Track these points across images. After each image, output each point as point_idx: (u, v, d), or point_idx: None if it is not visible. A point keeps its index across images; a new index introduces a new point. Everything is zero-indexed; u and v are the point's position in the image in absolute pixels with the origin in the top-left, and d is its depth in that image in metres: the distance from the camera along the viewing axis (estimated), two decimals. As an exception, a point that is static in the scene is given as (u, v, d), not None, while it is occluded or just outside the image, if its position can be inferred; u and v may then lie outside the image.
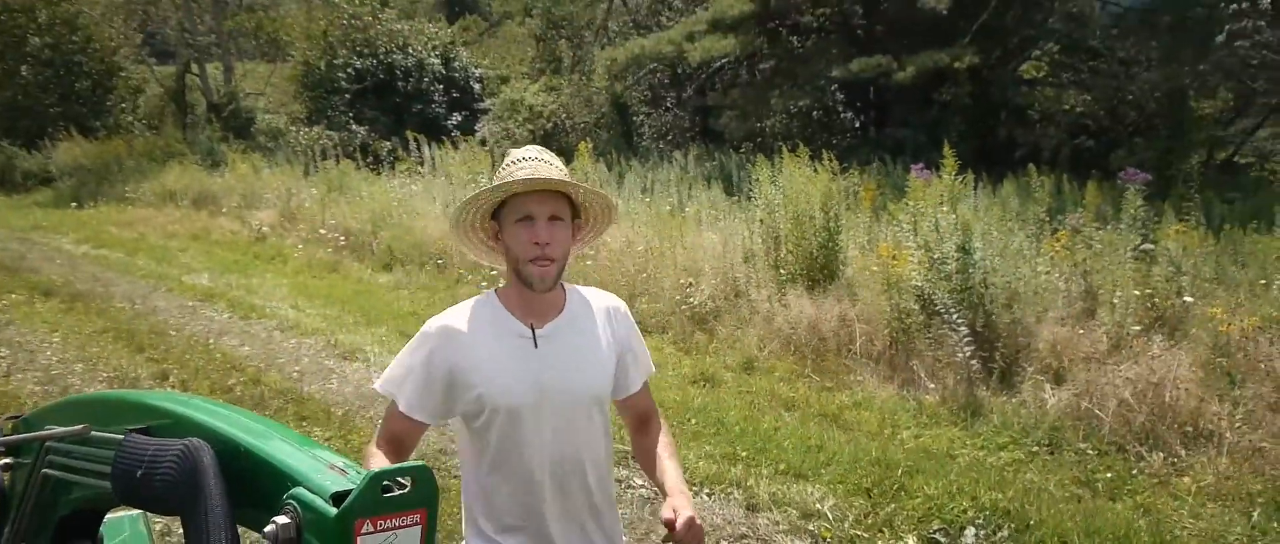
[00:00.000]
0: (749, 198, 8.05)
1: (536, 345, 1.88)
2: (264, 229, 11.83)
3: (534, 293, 1.86)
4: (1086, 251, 6.38)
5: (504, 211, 1.86)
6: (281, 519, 0.81)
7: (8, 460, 1.28)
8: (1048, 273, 6.22)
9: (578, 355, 1.92)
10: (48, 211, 15.49)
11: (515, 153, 1.94)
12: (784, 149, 8.76)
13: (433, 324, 1.91)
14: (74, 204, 15.92)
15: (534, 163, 1.87)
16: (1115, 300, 5.58)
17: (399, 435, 1.88)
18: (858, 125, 16.93)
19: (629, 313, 2.07)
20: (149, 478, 0.90)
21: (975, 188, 8.03)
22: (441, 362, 1.86)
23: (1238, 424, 4.29)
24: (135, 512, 1.57)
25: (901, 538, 3.63)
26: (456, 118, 18.87)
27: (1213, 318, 5.07)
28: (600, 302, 2.02)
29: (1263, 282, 5.94)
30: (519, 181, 1.80)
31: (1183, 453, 4.25)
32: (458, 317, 1.91)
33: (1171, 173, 11.26)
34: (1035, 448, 4.50)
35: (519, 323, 1.89)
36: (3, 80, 21.64)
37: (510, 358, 1.87)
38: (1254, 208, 9.45)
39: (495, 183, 1.86)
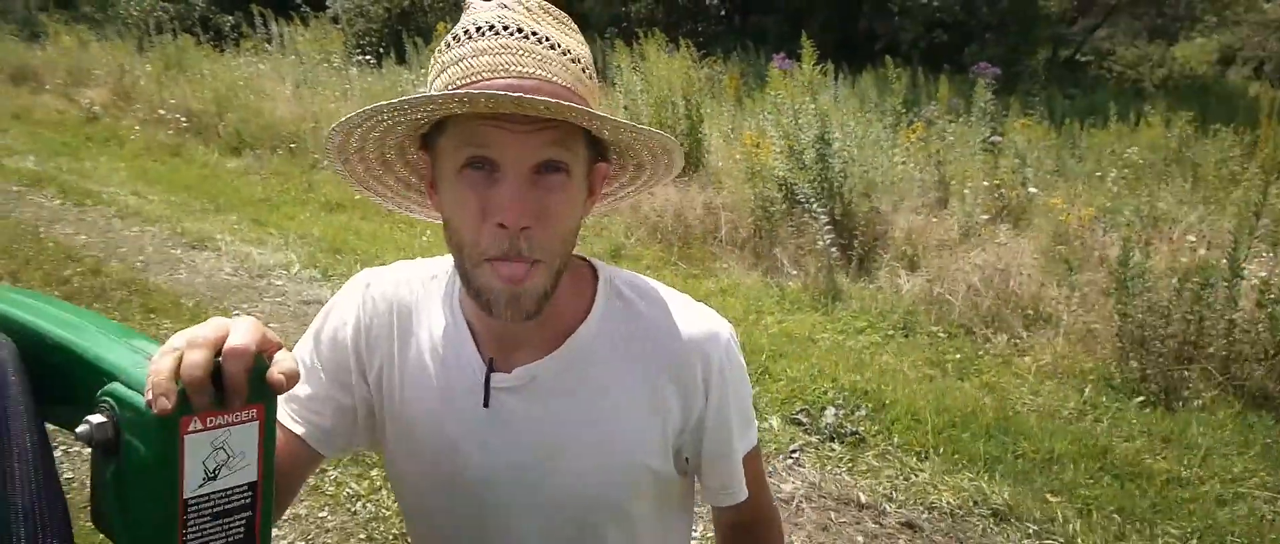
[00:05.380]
0: (613, 84, 7.96)
1: (488, 402, 1.07)
2: (95, 108, 11.00)
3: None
4: (939, 143, 6.62)
5: (441, 140, 0.98)
6: (96, 418, 0.72)
7: None
8: (903, 164, 6.43)
9: (571, 427, 1.07)
10: None
11: (474, 11, 0.99)
12: (645, 35, 8.69)
13: (365, 278, 1.17)
14: None
15: (506, 41, 0.95)
16: (966, 191, 5.84)
17: (280, 455, 0.88)
18: (723, 13, 16.89)
19: (732, 356, 1.10)
20: None
21: (836, 79, 8.19)
22: (361, 352, 1.14)
23: (1074, 308, 4.59)
24: None
25: (765, 418, 3.75)
26: (305, -8, 17.83)
27: (1054, 208, 5.38)
28: (670, 327, 1.09)
29: (1098, 174, 6.32)
30: (458, 94, 0.89)
31: (1024, 334, 4.53)
32: (402, 286, 1.16)
33: (1018, 69, 11.76)
34: (891, 331, 4.71)
35: (471, 351, 1.09)
36: None
37: (447, 408, 1.09)
38: (1092, 104, 10.00)
39: (432, 87, 0.98)
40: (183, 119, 9.92)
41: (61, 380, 0.79)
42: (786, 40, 12.13)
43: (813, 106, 6.03)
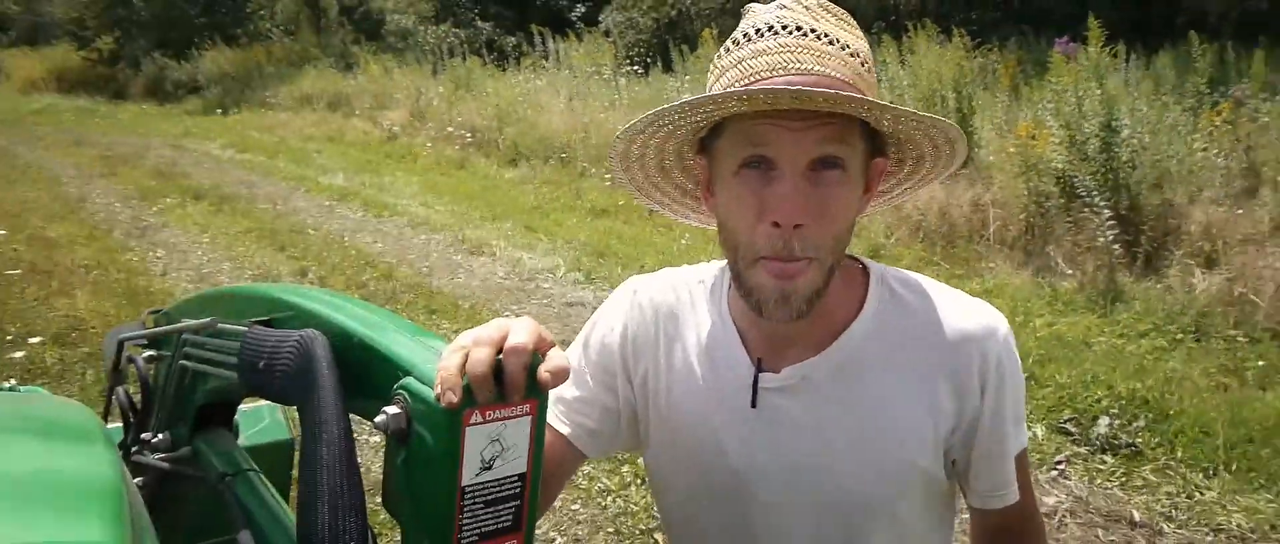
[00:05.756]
0: (878, 81, 7.73)
1: (755, 403, 1.07)
2: (394, 129, 12.12)
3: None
4: (1250, 126, 5.91)
5: (719, 142, 0.99)
6: (392, 409, 0.78)
7: (151, 352, 1.32)
8: (1204, 150, 5.79)
9: (841, 427, 1.05)
10: (196, 119, 16.22)
11: (753, 14, 1.01)
12: (915, 26, 8.38)
13: (633, 285, 1.20)
14: (220, 111, 16.63)
15: (784, 41, 0.95)
16: (1280, 178, 5.17)
17: (546, 453, 0.86)
18: (999, -2, 15.95)
19: (1010, 351, 1.07)
20: (269, 368, 0.91)
21: (1127, 60, 7.51)
22: (627, 357, 1.17)
23: None
24: (273, 402, 1.61)
25: (1030, 427, 3.50)
26: (580, 9, 18.70)
27: (1390, 194, 4.64)
28: (945, 323, 1.06)
29: None
30: (737, 93, 0.90)
31: (1346, 340, 3.95)
32: (667, 291, 1.17)
33: (1353, 36, 10.24)
34: (1180, 335, 4.26)
35: (740, 351, 1.10)
36: (152, -6, 22.59)
37: (714, 409, 1.10)
38: None
39: (711, 91, 0.99)
40: (468, 135, 10.70)
41: (363, 374, 0.87)
42: (1073, 22, 11.27)
43: (1099, 92, 5.56)
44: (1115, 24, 6.77)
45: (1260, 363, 3.90)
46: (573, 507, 3.30)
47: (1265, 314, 4.20)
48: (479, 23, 18.56)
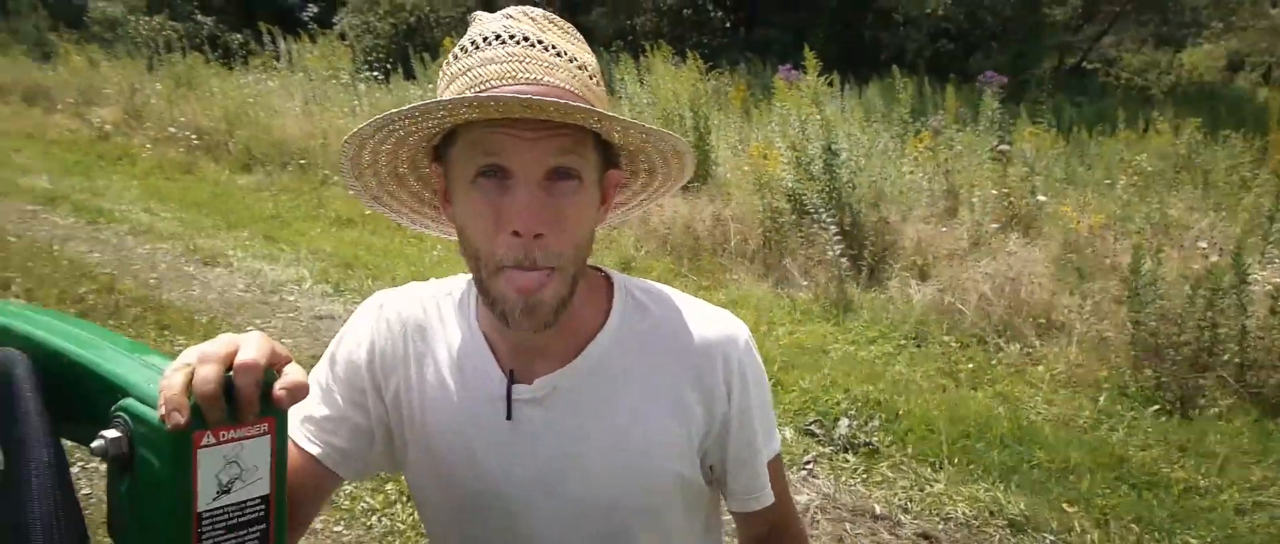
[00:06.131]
0: (619, 97, 7.98)
1: (511, 414, 1.07)
2: (107, 127, 11.05)
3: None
4: (947, 152, 6.61)
5: (453, 150, 0.98)
6: (110, 433, 0.73)
7: None
8: (912, 173, 6.43)
9: (596, 436, 1.06)
10: None
11: (481, 22, 1.01)
12: (650, 47, 8.72)
13: (378, 300, 1.17)
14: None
15: (512, 50, 0.95)
16: (975, 199, 5.84)
17: (292, 472, 0.97)
18: (728, 25, 16.93)
19: (751, 356, 1.10)
20: None
21: (841, 89, 8.20)
22: (376, 373, 1.13)
23: (1086, 316, 4.57)
24: None
25: (779, 430, 3.73)
26: (312, 9, 17.93)
27: (1063, 216, 5.37)
28: (689, 331, 1.08)
29: (1108, 181, 6.31)
30: (467, 99, 0.90)
31: (1037, 343, 4.51)
32: (415, 305, 1.15)
33: (1026, 77, 11.76)
34: (903, 341, 4.70)
35: (491, 364, 1.08)
36: None
37: (469, 423, 1.08)
38: (1100, 110, 10.01)
39: (441, 93, 0.99)
40: (193, 137, 9.97)
41: (76, 396, 0.80)
42: (791, 51, 12.14)
43: (819, 117, 6.03)
44: (828, 56, 7.35)
45: (970, 365, 4.38)
46: (336, 528, 3.18)
47: (971, 321, 4.72)
48: (199, 16, 17.33)
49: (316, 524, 3.23)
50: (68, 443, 0.82)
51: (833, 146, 5.81)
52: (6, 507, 0.71)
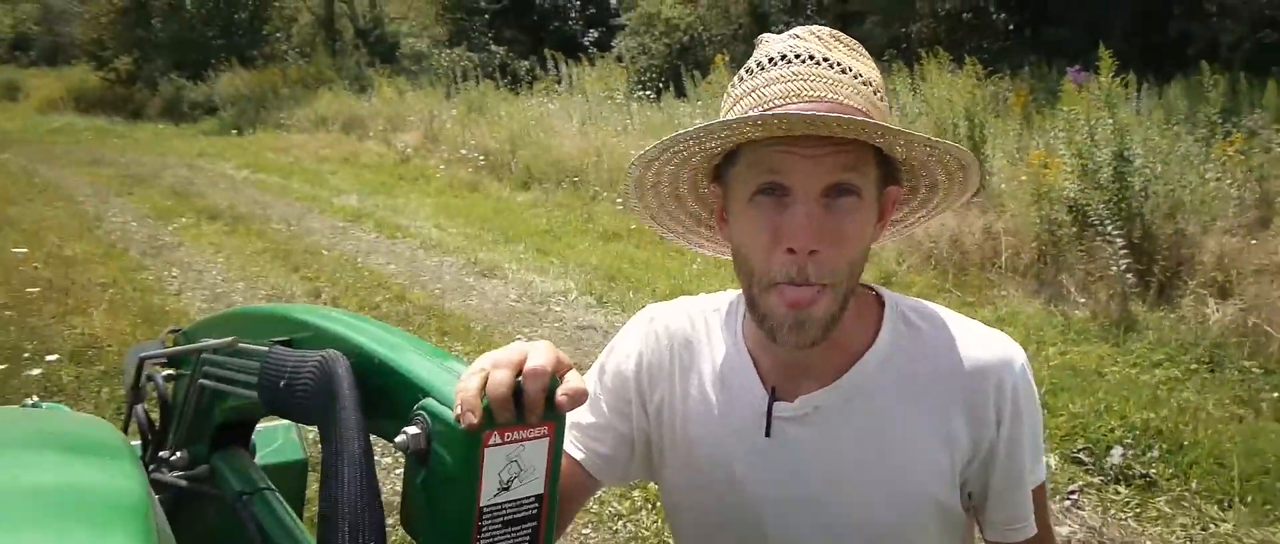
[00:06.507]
0: (891, 109, 7.75)
1: (770, 432, 1.07)
2: (408, 151, 12.19)
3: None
4: (1264, 156, 5.91)
5: (734, 169, 0.99)
6: (412, 429, 0.80)
7: (170, 371, 1.33)
8: (1218, 180, 5.79)
9: (856, 458, 1.05)
10: (212, 139, 16.32)
11: (767, 43, 1.02)
12: (927, 54, 8.42)
13: (649, 313, 1.20)
14: (235, 131, 16.75)
15: (797, 69, 0.96)
16: (1293, 208, 5.16)
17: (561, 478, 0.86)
18: (1012, 27, 16.04)
19: (1026, 382, 1.06)
20: (290, 388, 0.92)
21: (1138, 90, 7.52)
22: (642, 384, 1.16)
23: None
24: (287, 422, 1.63)
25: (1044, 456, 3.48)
26: (593, 34, 18.86)
27: (1405, 226, 4.63)
28: (961, 354, 1.05)
29: None
30: (751, 118, 0.91)
31: (1361, 372, 3.92)
32: (683, 319, 1.17)
33: (1367, 68, 10.23)
34: (1194, 366, 4.23)
35: (754, 380, 1.09)
36: (169, 15, 22.86)
37: (729, 438, 1.09)
38: None
39: (724, 115, 0.99)
40: (481, 157, 10.76)
41: (383, 395, 0.89)
42: (1084, 51, 11.29)
43: (1110, 121, 5.57)
44: (1126, 54, 6.78)
45: (1275, 395, 3.87)
46: (584, 531, 3.29)
47: (1280, 345, 4.19)
48: (493, 47, 18.73)
49: (567, 527, 3.37)
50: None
51: (1125, 152, 5.35)
52: (323, 490, 0.80)
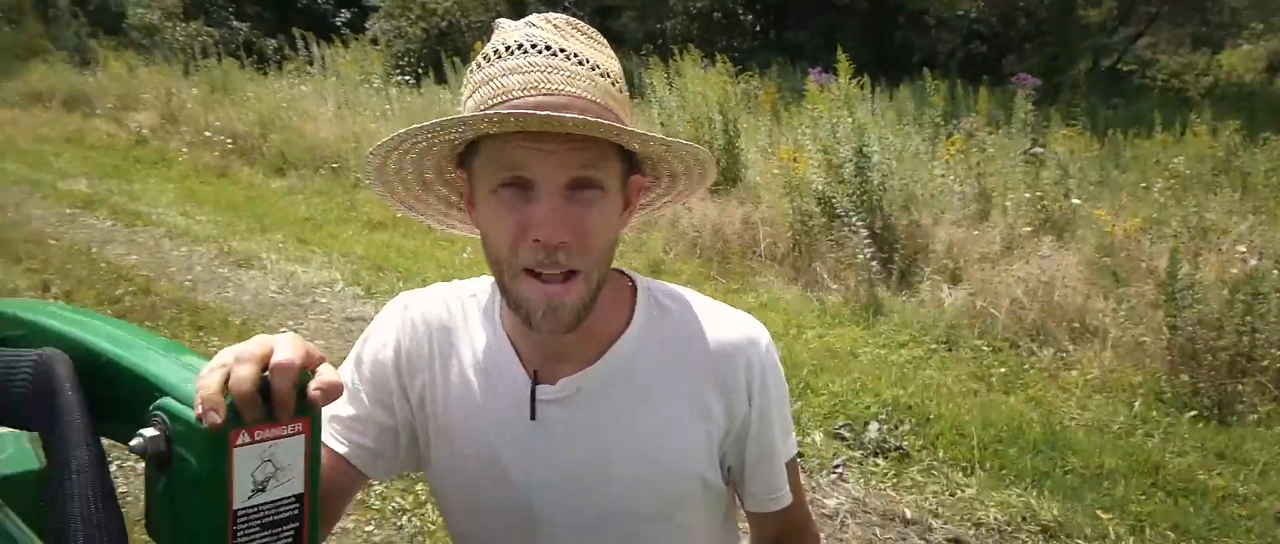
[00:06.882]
0: (648, 101, 7.98)
1: (535, 415, 1.08)
2: (144, 131, 11.21)
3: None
4: (980, 155, 6.55)
5: (476, 160, 0.99)
6: (149, 432, 0.75)
7: None
8: (944, 176, 6.38)
9: (619, 436, 1.07)
10: (-103, 112, 14.37)
11: (504, 30, 1.01)
12: (680, 51, 8.71)
13: (403, 301, 1.18)
14: (-73, 104, 14.80)
15: (534, 60, 0.96)
16: (1007, 203, 5.78)
17: (323, 475, 0.83)
18: (758, 28, 16.89)
19: (772, 359, 1.12)
20: (4, 391, 0.83)
21: (872, 92, 8.14)
22: (402, 373, 1.14)
23: (1121, 320, 4.50)
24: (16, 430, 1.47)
25: (808, 434, 3.73)
26: (345, 15, 18.10)
27: (1098, 219, 5.30)
28: (711, 334, 1.10)
29: (1143, 184, 6.22)
30: (488, 115, 0.91)
31: (1071, 348, 4.46)
32: (440, 306, 1.16)
33: (1059, 79, 11.59)
34: (934, 345, 4.66)
35: (515, 365, 1.10)
36: None
37: (493, 423, 1.09)
38: (1135, 113, 9.86)
39: (465, 107, 0.99)
40: (228, 141, 10.09)
41: (115, 395, 0.82)
42: (822, 54, 12.10)
43: (850, 120, 6.01)
44: (860, 58, 7.30)
45: (1002, 370, 4.34)
46: (367, 528, 3.20)
47: (1003, 325, 4.67)
48: (234, 22, 17.56)
49: (348, 524, 3.26)
50: (107, 442, 0.83)
51: (864, 149, 5.78)
52: (49, 503, 0.73)
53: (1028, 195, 5.79)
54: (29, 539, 1.03)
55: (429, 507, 3.25)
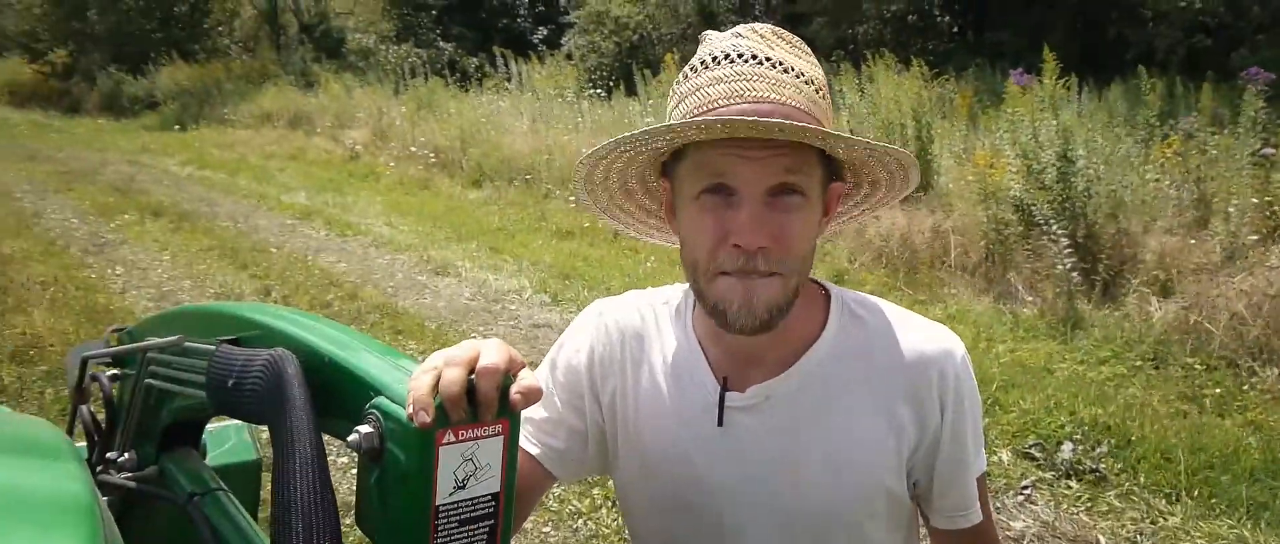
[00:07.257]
0: (837, 108, 7.83)
1: (722, 422, 1.08)
2: (357, 148, 12.04)
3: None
4: (1200, 157, 6.04)
5: (680, 168, 1.01)
6: (364, 428, 0.79)
7: (115, 371, 1.30)
8: (1157, 180, 5.92)
9: (806, 445, 1.06)
10: (154, 135, 15.98)
11: (710, 41, 1.03)
12: (873, 56, 8.50)
13: (598, 307, 1.21)
14: (177, 127, 16.41)
15: (740, 69, 0.97)
16: (1231, 209, 5.28)
17: (519, 473, 0.85)
18: (956, 29, 16.29)
19: (967, 372, 1.08)
20: (238, 387, 0.90)
21: (1079, 92, 7.67)
22: (594, 378, 1.17)
23: (1362, 338, 4.03)
24: (239, 422, 1.59)
25: (995, 452, 3.53)
26: (542, 32, 18.79)
27: (1338, 226, 4.76)
28: (905, 345, 1.07)
29: (1393, 188, 5.53)
30: (694, 123, 0.92)
31: (1299, 368, 4.03)
32: (633, 313, 1.18)
33: (1297, 73, 10.54)
34: (1139, 362, 4.32)
35: (705, 371, 1.10)
36: (107, 7, 22.28)
37: (681, 429, 1.10)
38: (1388, 109, 8.79)
39: (671, 117, 1.01)
40: (431, 155, 10.66)
41: (334, 394, 0.87)
42: (1025, 55, 11.50)
43: (1053, 123, 5.67)
44: (1067, 57, 6.91)
45: (1217, 390, 3.96)
46: (544, 529, 3.26)
47: (1220, 343, 4.27)
48: (441, 43, 18.57)
49: (527, 525, 3.34)
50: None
51: (1068, 153, 5.44)
52: (276, 491, 0.78)
53: (1255, 201, 5.28)
54: (247, 520, 1.12)
55: (604, 511, 3.28)
